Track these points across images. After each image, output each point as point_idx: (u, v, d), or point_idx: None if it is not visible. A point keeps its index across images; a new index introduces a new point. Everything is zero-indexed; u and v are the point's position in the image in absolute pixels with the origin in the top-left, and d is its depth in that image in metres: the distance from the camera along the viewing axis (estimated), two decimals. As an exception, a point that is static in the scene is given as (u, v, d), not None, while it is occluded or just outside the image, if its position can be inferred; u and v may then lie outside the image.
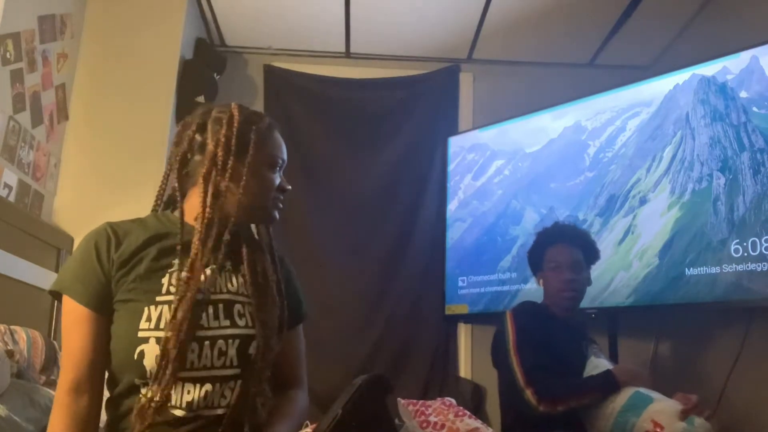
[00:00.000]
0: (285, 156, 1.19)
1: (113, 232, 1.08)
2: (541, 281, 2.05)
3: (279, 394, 1.18)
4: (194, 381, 1.01)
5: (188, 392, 1.01)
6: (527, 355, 1.81)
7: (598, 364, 1.88)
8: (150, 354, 1.00)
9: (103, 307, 1.05)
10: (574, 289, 1.97)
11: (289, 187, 1.18)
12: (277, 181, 1.16)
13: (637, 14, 2.86)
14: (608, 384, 1.76)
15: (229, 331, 1.05)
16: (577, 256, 1.99)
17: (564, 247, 2.01)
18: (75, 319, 1.04)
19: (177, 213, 1.12)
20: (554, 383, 1.78)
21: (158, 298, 1.03)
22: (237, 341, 1.04)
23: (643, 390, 1.74)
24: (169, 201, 1.18)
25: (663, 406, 1.68)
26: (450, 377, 2.91)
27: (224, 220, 1.09)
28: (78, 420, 1.01)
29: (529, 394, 1.74)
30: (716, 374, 2.29)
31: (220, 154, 1.08)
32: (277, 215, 1.17)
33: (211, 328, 1.04)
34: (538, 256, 2.06)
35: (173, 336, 0.98)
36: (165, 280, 1.05)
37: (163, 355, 0.98)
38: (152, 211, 1.18)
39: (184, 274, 1.03)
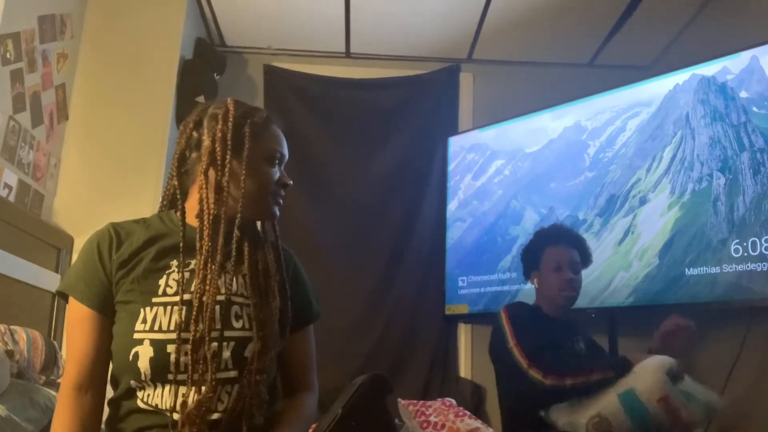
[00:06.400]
0: (284, 150, 1.15)
1: (115, 233, 1.08)
2: (536, 280, 2.04)
3: (287, 398, 1.16)
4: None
5: (182, 395, 0.99)
6: (526, 340, 1.83)
7: None
8: (144, 356, 0.99)
9: (106, 308, 1.05)
10: (574, 288, 1.98)
11: (290, 182, 1.15)
12: (276, 175, 1.13)
13: (637, 14, 2.86)
14: (621, 363, 1.73)
15: (223, 333, 1.02)
16: (576, 257, 2.00)
17: (564, 248, 2.01)
18: (78, 318, 1.05)
19: (178, 213, 1.11)
20: (558, 361, 1.78)
21: (154, 300, 1.03)
22: (232, 344, 1.02)
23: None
24: (173, 201, 1.17)
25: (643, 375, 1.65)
26: (450, 377, 2.91)
27: (231, 218, 1.07)
28: (81, 415, 1.02)
29: (533, 372, 1.75)
30: (716, 374, 2.29)
31: (217, 149, 1.06)
32: (278, 211, 1.14)
33: None
34: (535, 256, 2.06)
35: (194, 336, 0.99)
36: (162, 282, 1.04)
37: (194, 351, 0.98)
38: (158, 211, 1.17)
39: (199, 275, 1.02)
